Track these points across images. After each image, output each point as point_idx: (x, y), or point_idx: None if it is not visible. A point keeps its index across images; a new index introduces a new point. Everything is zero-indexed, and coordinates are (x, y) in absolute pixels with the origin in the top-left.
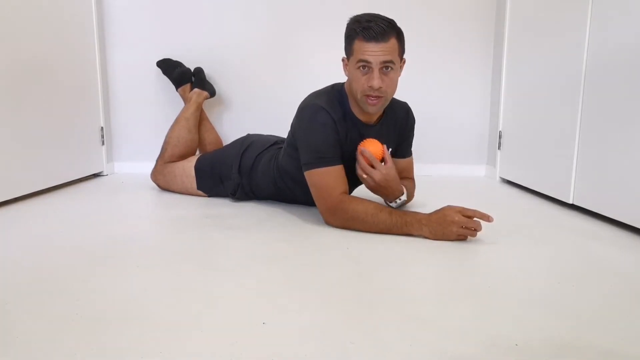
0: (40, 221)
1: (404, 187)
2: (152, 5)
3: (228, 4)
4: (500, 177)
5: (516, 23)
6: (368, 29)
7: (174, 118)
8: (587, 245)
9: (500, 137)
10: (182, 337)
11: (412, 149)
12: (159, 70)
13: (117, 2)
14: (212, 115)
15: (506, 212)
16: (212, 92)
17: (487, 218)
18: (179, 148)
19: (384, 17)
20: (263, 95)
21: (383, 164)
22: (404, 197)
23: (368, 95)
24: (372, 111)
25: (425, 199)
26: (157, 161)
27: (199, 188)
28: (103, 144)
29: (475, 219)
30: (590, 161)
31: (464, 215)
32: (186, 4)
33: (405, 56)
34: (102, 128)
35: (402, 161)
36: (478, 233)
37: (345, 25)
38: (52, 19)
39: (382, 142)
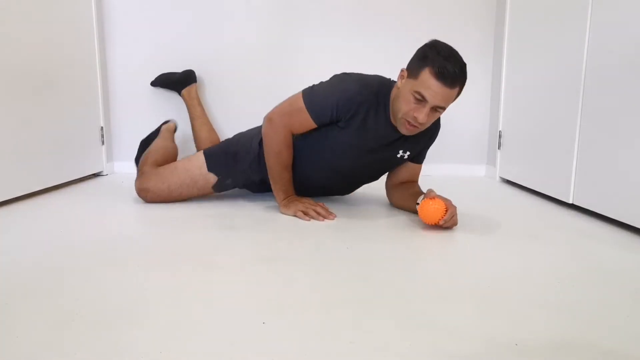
0: (40, 221)
1: None
2: (152, 6)
3: (229, 5)
4: (500, 177)
5: (516, 23)
6: (444, 69)
7: (174, 118)
8: (587, 245)
9: (500, 136)
10: (182, 337)
11: None
12: (158, 70)
13: (117, 3)
14: (213, 119)
15: (506, 211)
16: (192, 79)
17: (330, 216)
18: (203, 144)
19: (460, 58)
20: (264, 98)
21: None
22: None
23: (408, 121)
24: (404, 133)
25: None
26: (144, 168)
27: (209, 169)
28: (103, 143)
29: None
30: (590, 161)
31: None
32: (186, 5)
33: (405, 63)
34: (102, 128)
35: (415, 167)
36: (477, 232)
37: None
38: (52, 19)
39: (407, 149)
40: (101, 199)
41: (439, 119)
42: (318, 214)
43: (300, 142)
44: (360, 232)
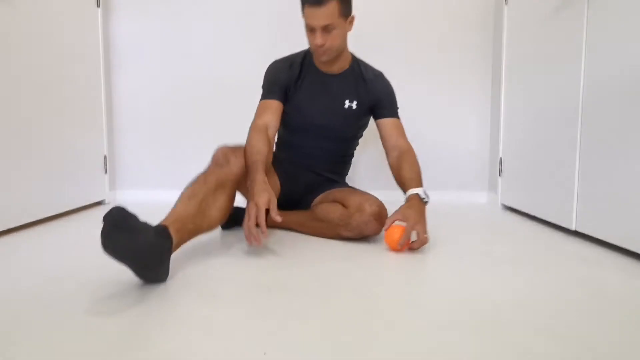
0: (41, 250)
1: (413, 192)
2: (157, 36)
3: (231, 34)
4: (502, 204)
5: (513, 53)
6: None
7: (176, 147)
8: (591, 272)
9: (500, 163)
10: None
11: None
12: (162, 99)
13: (123, 33)
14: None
15: (508, 238)
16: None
17: (255, 242)
18: None
19: None
20: None
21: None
22: (421, 194)
23: (316, 50)
24: (322, 60)
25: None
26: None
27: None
28: (106, 172)
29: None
30: (591, 187)
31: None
32: (191, 36)
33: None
34: (105, 156)
35: (387, 121)
36: (479, 260)
37: None
38: (60, 49)
39: (344, 90)
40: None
41: (380, 75)
42: (250, 233)
43: (282, 130)
44: (361, 261)
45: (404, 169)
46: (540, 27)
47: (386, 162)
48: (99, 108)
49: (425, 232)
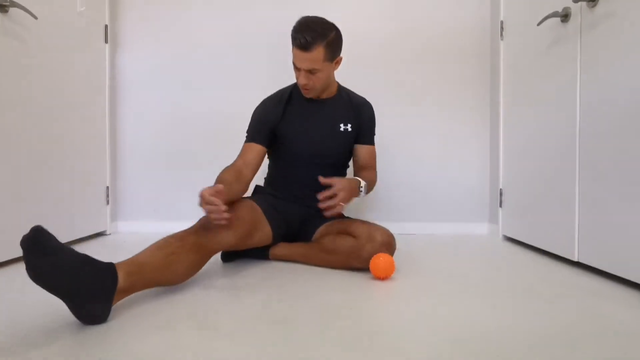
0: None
1: (359, 179)
2: (161, 72)
3: (232, 69)
4: (503, 235)
5: (510, 85)
6: (295, 39)
7: (178, 179)
8: (596, 305)
9: (501, 194)
10: None
11: (418, 209)
12: (167, 131)
13: (129, 68)
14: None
15: (511, 270)
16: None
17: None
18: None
19: (316, 26)
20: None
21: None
22: (362, 185)
23: (302, 87)
24: (307, 96)
25: (428, 257)
26: None
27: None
28: (108, 203)
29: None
30: (592, 217)
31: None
32: (193, 70)
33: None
34: (107, 187)
35: (363, 147)
36: (480, 292)
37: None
38: (67, 82)
39: (336, 114)
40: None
41: (366, 104)
42: (210, 212)
43: (274, 166)
44: (361, 293)
45: (363, 174)
46: (535, 61)
47: (388, 194)
48: (103, 139)
49: (343, 202)
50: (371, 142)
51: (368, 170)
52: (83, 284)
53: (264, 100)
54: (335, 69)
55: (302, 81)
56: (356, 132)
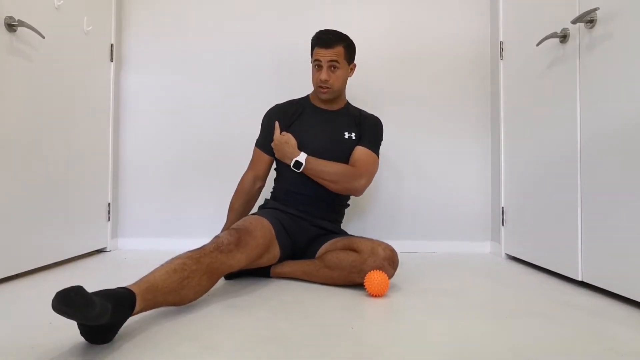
0: (40, 299)
1: (301, 153)
2: (164, 90)
3: (237, 88)
4: (506, 254)
5: (511, 105)
6: (319, 39)
7: (179, 197)
8: (597, 324)
9: (503, 213)
10: None
11: (419, 228)
12: (169, 149)
13: (133, 86)
14: (222, 207)
15: (513, 290)
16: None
17: None
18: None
19: (337, 32)
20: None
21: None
22: (302, 159)
23: (320, 87)
24: (323, 98)
25: (430, 275)
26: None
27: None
28: (109, 219)
29: None
30: (596, 236)
31: None
32: (196, 90)
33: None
34: (109, 204)
35: (358, 147)
36: (484, 312)
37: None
38: (72, 99)
39: (342, 123)
40: (102, 277)
41: (373, 117)
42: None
43: (280, 180)
44: (362, 311)
45: (339, 163)
46: (535, 81)
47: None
48: (106, 156)
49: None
50: (368, 146)
51: (350, 165)
52: (105, 316)
53: (275, 106)
54: (350, 75)
55: (324, 77)
56: (359, 139)
